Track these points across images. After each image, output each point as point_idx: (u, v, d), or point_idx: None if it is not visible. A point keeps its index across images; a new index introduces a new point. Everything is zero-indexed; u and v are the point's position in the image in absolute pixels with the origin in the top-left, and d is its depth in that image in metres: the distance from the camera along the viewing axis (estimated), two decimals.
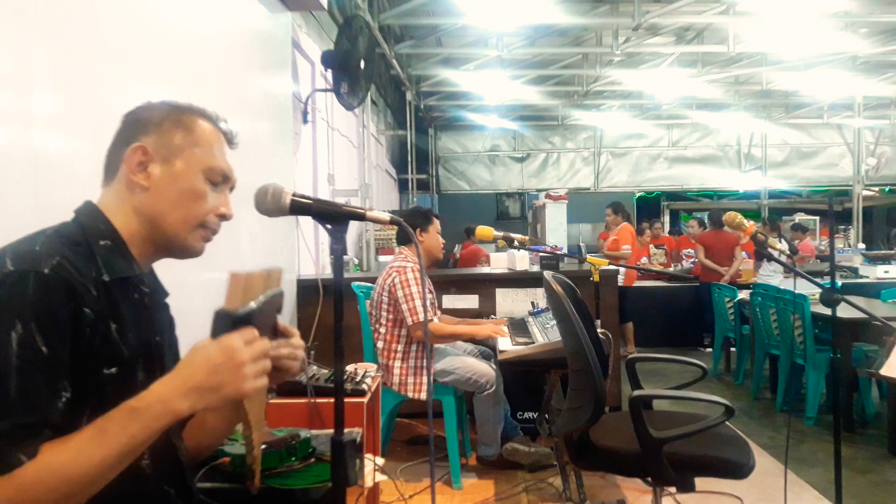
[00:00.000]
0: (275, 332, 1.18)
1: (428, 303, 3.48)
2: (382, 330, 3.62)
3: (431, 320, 3.66)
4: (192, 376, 1.02)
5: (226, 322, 1.05)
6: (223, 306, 1.07)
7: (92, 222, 1.14)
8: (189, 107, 1.23)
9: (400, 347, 3.59)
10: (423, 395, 3.55)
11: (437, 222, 3.82)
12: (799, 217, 11.56)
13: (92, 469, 0.97)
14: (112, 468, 1.00)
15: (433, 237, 3.76)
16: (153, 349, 1.19)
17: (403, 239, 3.82)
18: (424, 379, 3.55)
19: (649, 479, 2.34)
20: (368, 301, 3.79)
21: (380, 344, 3.63)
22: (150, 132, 1.18)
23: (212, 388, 1.02)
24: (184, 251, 1.21)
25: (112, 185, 1.19)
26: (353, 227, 5.73)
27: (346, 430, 1.29)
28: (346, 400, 1.40)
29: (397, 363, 3.57)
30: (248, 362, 1.03)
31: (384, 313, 3.60)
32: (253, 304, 1.08)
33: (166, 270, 1.30)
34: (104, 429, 0.99)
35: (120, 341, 1.09)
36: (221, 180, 1.22)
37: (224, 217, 1.23)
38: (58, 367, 0.99)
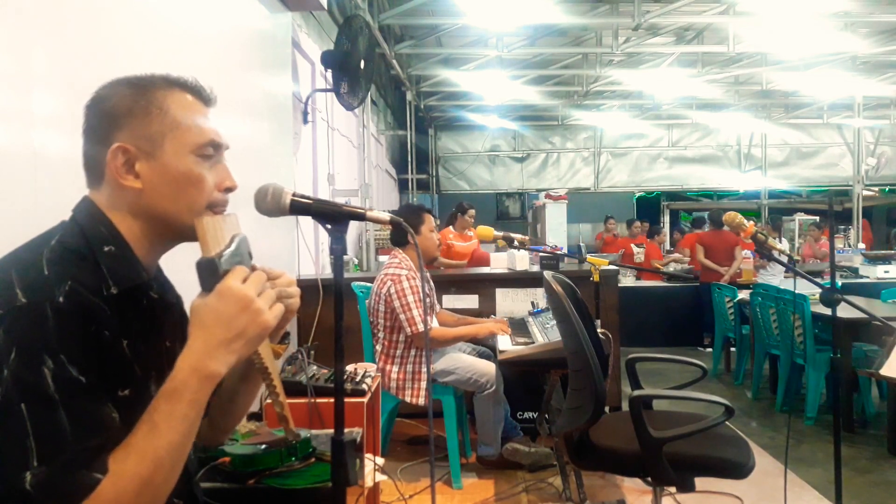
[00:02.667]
0: None
1: (426, 304, 3.47)
2: (380, 335, 3.61)
3: (431, 326, 3.65)
4: (211, 336, 1.00)
5: (213, 270, 1.03)
6: (203, 255, 1.04)
7: (93, 225, 1.08)
8: (151, 81, 1.12)
9: (398, 353, 3.58)
10: (422, 401, 3.53)
11: (429, 220, 3.76)
12: (799, 217, 11.58)
13: (162, 461, 0.97)
14: (180, 450, 0.99)
15: (426, 238, 3.72)
16: (163, 358, 1.14)
17: (397, 240, 3.81)
18: (422, 384, 3.54)
19: (649, 479, 2.35)
20: (368, 301, 3.79)
21: (378, 348, 3.63)
22: (123, 126, 1.07)
23: (236, 338, 1.01)
24: (196, 237, 1.13)
25: (102, 188, 1.10)
26: (353, 227, 5.73)
27: (346, 430, 1.29)
28: (346, 400, 1.41)
29: (395, 368, 3.57)
30: (256, 297, 1.02)
31: (381, 320, 3.59)
32: (231, 248, 1.06)
33: (167, 271, 1.29)
34: (154, 422, 0.97)
35: (133, 359, 1.06)
36: (213, 151, 1.13)
37: (229, 189, 1.16)
38: (99, 390, 0.97)
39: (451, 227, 6.85)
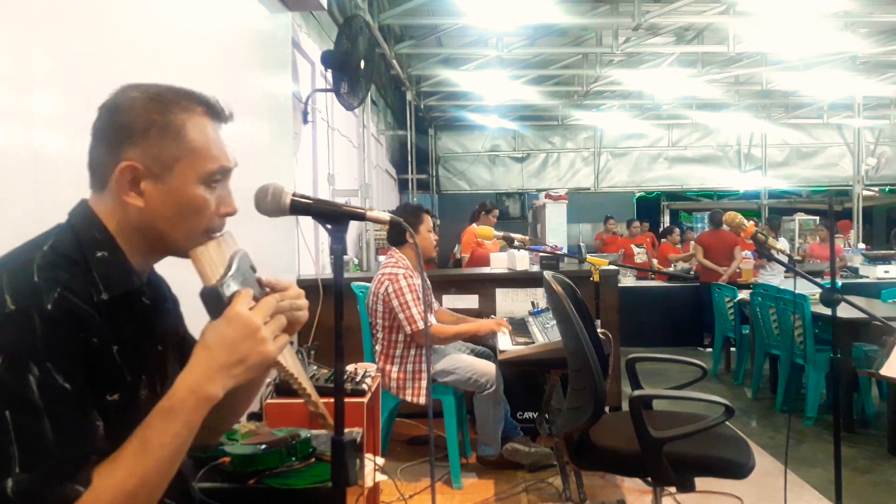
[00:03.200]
0: (262, 289, 1.14)
1: (426, 302, 3.47)
2: (379, 335, 3.61)
3: (431, 324, 3.65)
4: (213, 359, 1.01)
5: (217, 297, 1.03)
6: (204, 285, 1.05)
7: (87, 229, 1.07)
8: (174, 97, 1.09)
9: (397, 353, 3.58)
10: (422, 400, 3.53)
11: (427, 220, 3.75)
12: (799, 217, 11.57)
13: (149, 477, 0.97)
14: (169, 468, 1.00)
15: (424, 237, 3.71)
16: (154, 362, 1.14)
17: (395, 240, 3.80)
18: (423, 383, 3.53)
19: (649, 479, 2.35)
20: (366, 301, 3.78)
21: (377, 348, 3.63)
22: (137, 142, 1.05)
23: (237, 363, 1.02)
24: (188, 256, 1.11)
25: (103, 195, 1.09)
26: (353, 227, 5.73)
27: (346, 430, 1.29)
28: (346, 400, 1.40)
29: (395, 368, 3.56)
30: (262, 325, 1.03)
31: (380, 320, 3.59)
32: (231, 270, 1.06)
33: (165, 274, 1.28)
34: (146, 438, 0.98)
35: (122, 365, 1.05)
36: (221, 177, 1.13)
37: (228, 215, 1.15)
38: (84, 398, 0.97)
39: (475, 226, 6.84)
